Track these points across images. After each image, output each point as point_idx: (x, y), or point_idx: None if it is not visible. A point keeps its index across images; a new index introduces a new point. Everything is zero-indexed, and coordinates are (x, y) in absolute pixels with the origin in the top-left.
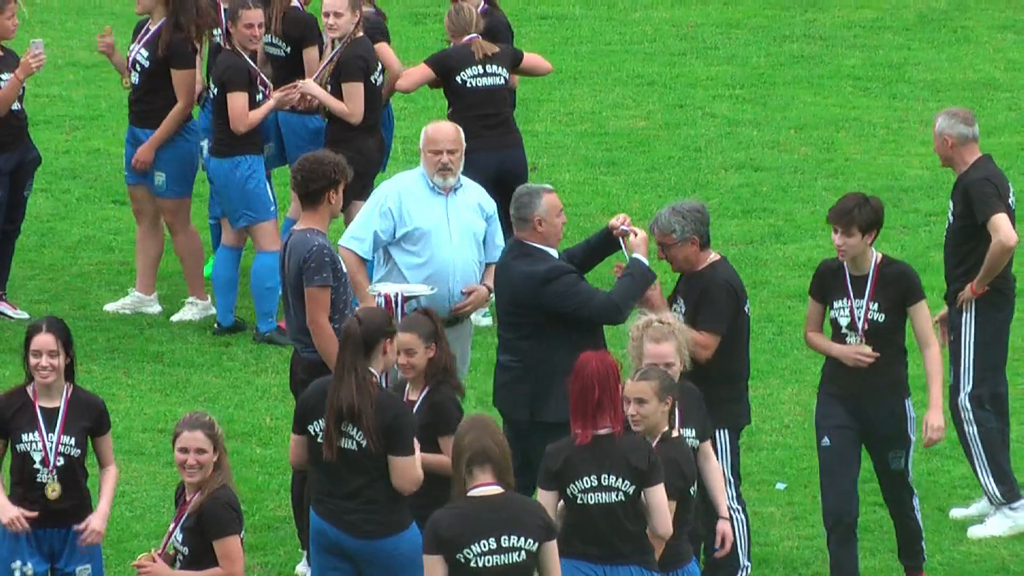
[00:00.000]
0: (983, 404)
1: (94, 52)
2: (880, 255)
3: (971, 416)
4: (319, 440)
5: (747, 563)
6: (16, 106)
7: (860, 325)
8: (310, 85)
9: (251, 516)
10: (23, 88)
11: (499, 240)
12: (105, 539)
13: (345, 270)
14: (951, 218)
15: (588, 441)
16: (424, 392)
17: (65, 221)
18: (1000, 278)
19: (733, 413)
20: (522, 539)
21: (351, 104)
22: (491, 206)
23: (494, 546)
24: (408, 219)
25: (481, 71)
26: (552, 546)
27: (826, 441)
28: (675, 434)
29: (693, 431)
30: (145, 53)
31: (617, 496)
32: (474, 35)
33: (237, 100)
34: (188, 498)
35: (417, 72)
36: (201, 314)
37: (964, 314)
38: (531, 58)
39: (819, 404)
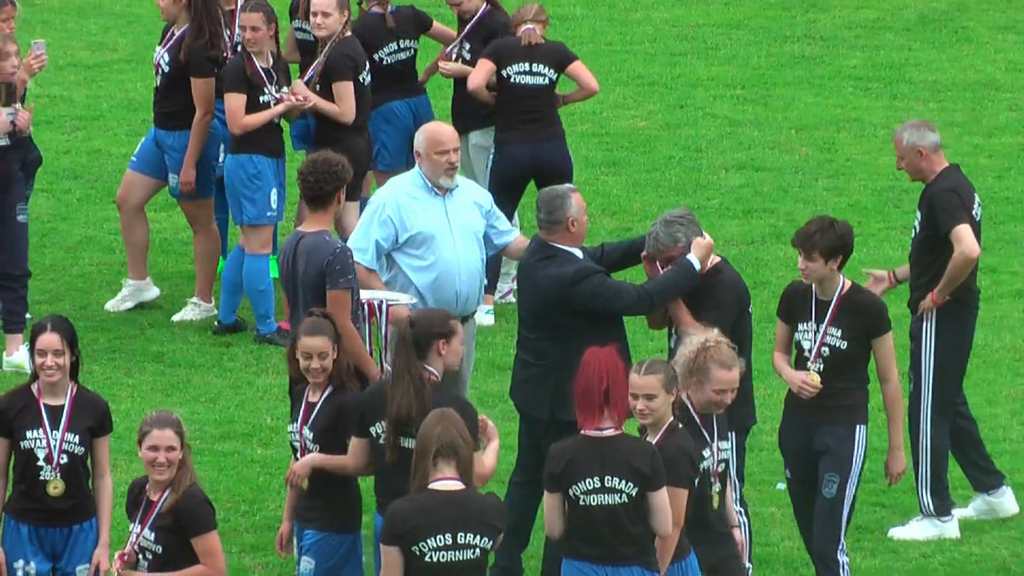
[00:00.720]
0: (944, 415)
1: (95, 52)
2: (849, 283)
3: (927, 428)
4: (381, 442)
5: (748, 564)
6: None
7: (816, 351)
8: (300, 87)
9: (252, 516)
10: (25, 89)
11: (502, 224)
12: None
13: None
14: (916, 228)
15: (593, 434)
16: (326, 394)
17: (66, 221)
18: (962, 289)
19: (740, 415)
20: (478, 537)
21: (342, 104)
22: (487, 199)
23: (450, 542)
24: (409, 224)
25: (528, 68)
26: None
27: (788, 473)
28: (680, 425)
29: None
30: (167, 57)
31: (620, 498)
32: (530, 26)
33: (232, 101)
34: (155, 497)
35: (480, 70)
36: (202, 315)
37: (925, 323)
38: (580, 68)
39: (780, 426)
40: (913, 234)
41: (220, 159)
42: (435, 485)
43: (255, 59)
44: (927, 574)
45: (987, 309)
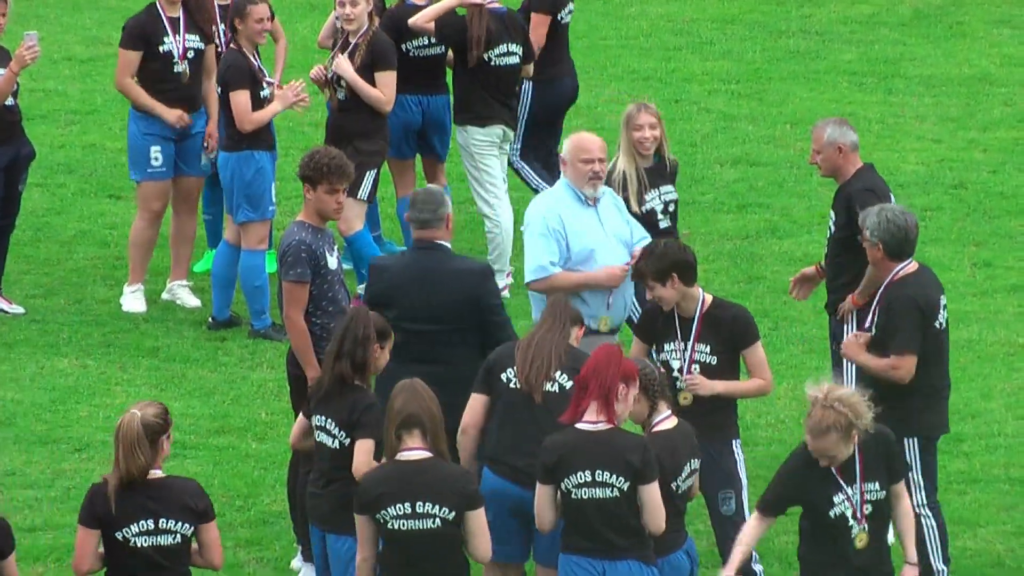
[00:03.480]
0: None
1: (90, 47)
2: (710, 298)
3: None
4: (512, 386)
5: (943, 566)
6: (10, 101)
7: (687, 369)
8: (343, 65)
9: (247, 511)
10: (17, 84)
11: (637, 229)
12: None
13: (332, 267)
14: (832, 228)
15: (586, 428)
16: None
17: (60, 216)
18: None
19: (923, 423)
20: (437, 507)
21: (387, 91)
22: (622, 204)
23: (409, 510)
24: (574, 239)
25: (571, 9)
26: (475, 515)
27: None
28: (661, 426)
29: (876, 483)
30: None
31: (611, 492)
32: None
33: (240, 99)
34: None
35: (542, 24)
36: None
37: (846, 325)
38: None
39: None
40: (828, 233)
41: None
42: (401, 455)
43: (248, 54)
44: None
45: (982, 304)
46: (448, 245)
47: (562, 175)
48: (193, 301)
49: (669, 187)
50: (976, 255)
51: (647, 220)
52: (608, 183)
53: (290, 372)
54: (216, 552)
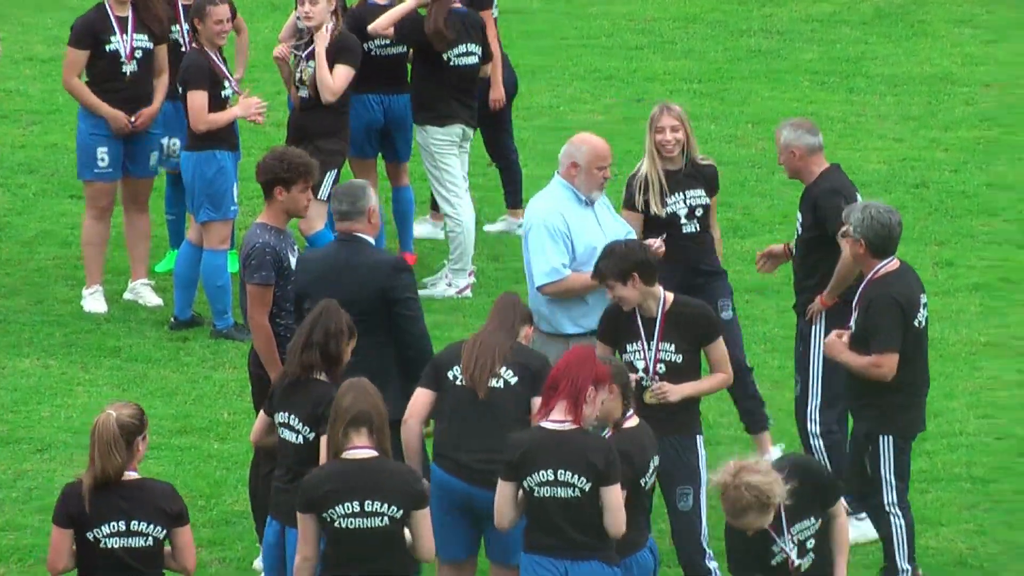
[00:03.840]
0: (830, 416)
1: (51, 47)
2: (672, 296)
3: (816, 429)
4: (459, 383)
5: (907, 566)
6: None
7: (652, 368)
8: (321, 42)
9: (209, 511)
10: None
11: (623, 226)
12: None
13: (295, 269)
14: (799, 229)
15: (551, 427)
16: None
17: (22, 216)
18: (850, 291)
19: (901, 421)
20: (385, 505)
21: (338, 82)
22: (609, 203)
23: (357, 509)
24: (578, 240)
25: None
26: (421, 515)
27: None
28: (626, 424)
29: (809, 518)
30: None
31: (572, 492)
32: None
33: (196, 99)
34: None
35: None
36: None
37: (813, 326)
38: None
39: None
40: (796, 234)
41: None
42: (347, 454)
43: (211, 53)
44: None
45: (944, 303)
46: (369, 238)
47: (558, 176)
48: (155, 300)
49: (698, 191)
50: (938, 254)
51: (670, 223)
52: (631, 184)
53: (252, 372)
54: (190, 556)
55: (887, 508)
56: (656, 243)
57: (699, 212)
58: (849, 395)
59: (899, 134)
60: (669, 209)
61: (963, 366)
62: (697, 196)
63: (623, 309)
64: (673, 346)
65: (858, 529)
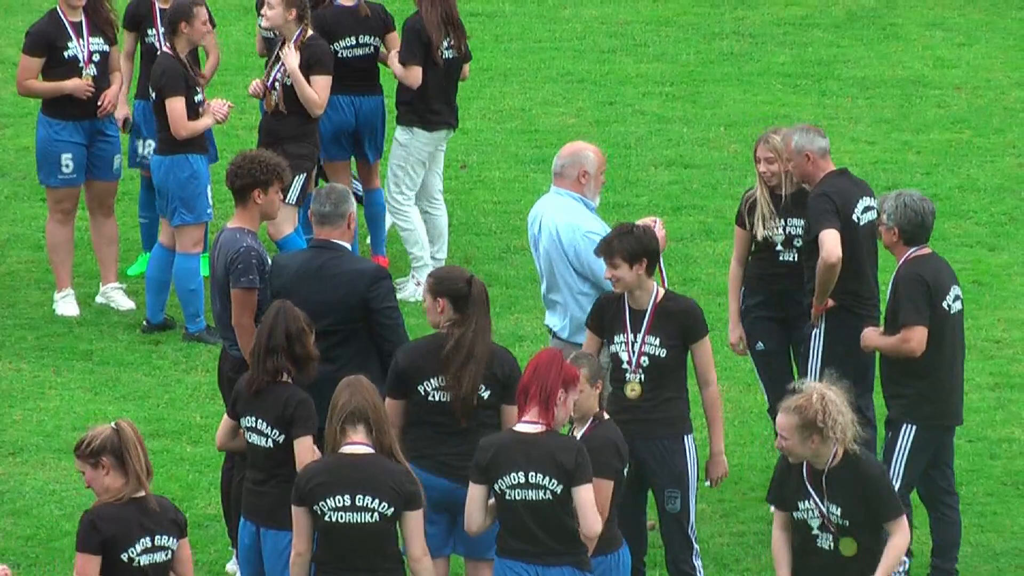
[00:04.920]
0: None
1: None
2: (663, 290)
3: None
4: (432, 399)
5: (905, 558)
6: None
7: (636, 361)
8: (290, 58)
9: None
10: None
11: None
12: (34, 538)
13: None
14: (803, 233)
15: (521, 429)
16: None
17: None
18: (848, 296)
19: (926, 412)
20: (376, 501)
21: (322, 94)
22: None
23: (348, 503)
24: None
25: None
26: (413, 516)
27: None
28: (606, 418)
29: (839, 508)
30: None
31: (544, 494)
32: None
33: (176, 106)
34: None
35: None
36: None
37: (816, 328)
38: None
39: None
40: (798, 242)
41: (143, 153)
42: (344, 449)
43: (183, 58)
44: None
45: None
46: (346, 246)
47: (563, 189)
48: (127, 303)
49: (800, 220)
50: None
51: (767, 246)
52: (742, 202)
53: (224, 375)
54: (190, 567)
55: None
56: (657, 224)
57: (796, 242)
58: (883, 382)
59: (871, 137)
60: (766, 233)
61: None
62: (797, 225)
63: (615, 298)
64: (658, 340)
65: None
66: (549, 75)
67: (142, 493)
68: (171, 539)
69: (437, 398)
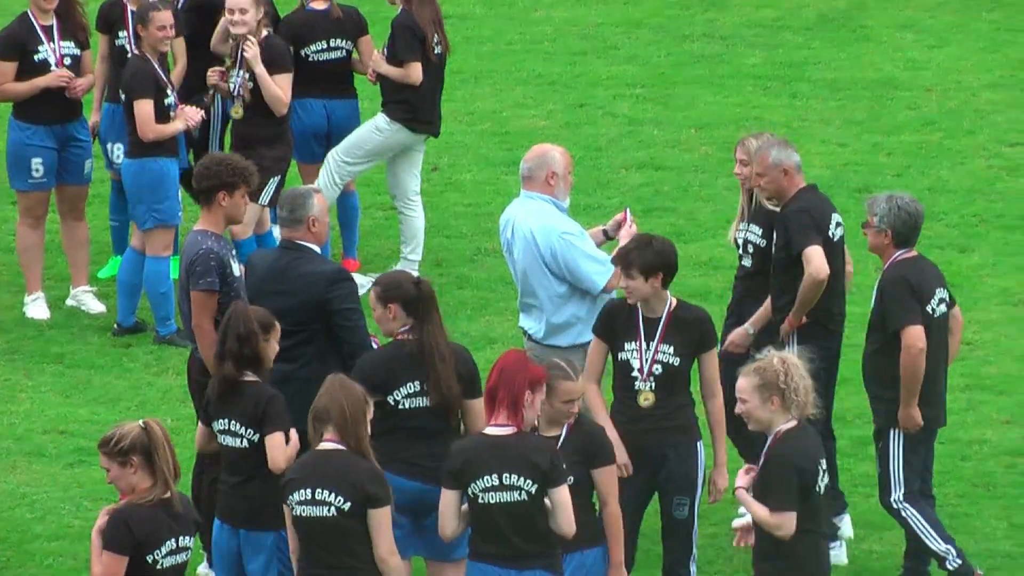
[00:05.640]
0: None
1: None
2: (676, 300)
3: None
4: (403, 408)
5: (947, 547)
6: None
7: (648, 369)
8: (257, 58)
9: None
10: None
11: None
12: (6, 541)
13: (238, 274)
14: (773, 248)
15: (492, 432)
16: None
17: None
18: (822, 312)
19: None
20: (333, 495)
21: (287, 93)
22: None
23: (308, 497)
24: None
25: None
26: (375, 514)
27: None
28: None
29: None
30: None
31: (519, 495)
32: None
33: (144, 108)
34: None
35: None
36: (94, 299)
37: (787, 347)
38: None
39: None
40: (751, 248)
41: (114, 156)
42: (318, 447)
43: (153, 60)
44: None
45: None
46: (312, 247)
47: (532, 192)
48: (98, 307)
49: (756, 227)
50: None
51: (739, 249)
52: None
53: (193, 379)
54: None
55: (895, 505)
56: (627, 219)
57: (749, 248)
58: (867, 387)
59: (842, 139)
60: (732, 235)
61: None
62: (755, 232)
63: (626, 305)
64: (672, 348)
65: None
66: (520, 77)
67: (168, 494)
68: (191, 539)
69: (409, 405)
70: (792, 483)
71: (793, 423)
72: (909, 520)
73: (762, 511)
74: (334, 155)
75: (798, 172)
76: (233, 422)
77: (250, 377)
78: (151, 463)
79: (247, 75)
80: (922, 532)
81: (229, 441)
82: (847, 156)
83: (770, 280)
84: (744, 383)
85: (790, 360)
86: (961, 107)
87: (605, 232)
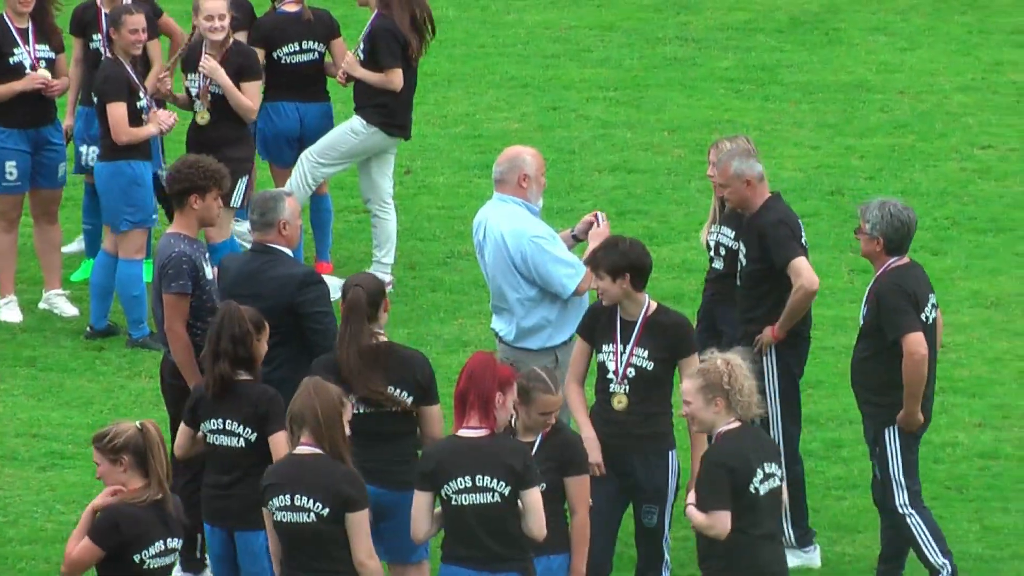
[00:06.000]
0: (791, 444)
1: None
2: (655, 304)
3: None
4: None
5: (944, 561)
6: None
7: (622, 372)
8: (217, 71)
9: None
10: None
11: None
12: None
13: (210, 278)
14: (743, 260)
15: (465, 434)
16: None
17: None
18: (800, 322)
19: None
20: (312, 501)
21: (255, 101)
22: None
23: (288, 503)
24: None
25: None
26: (352, 518)
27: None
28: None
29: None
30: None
31: (492, 497)
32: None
33: (117, 111)
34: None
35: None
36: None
37: (765, 359)
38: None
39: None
40: (739, 265)
41: (87, 159)
42: (295, 450)
43: (125, 64)
44: (800, 574)
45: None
46: (284, 250)
47: (505, 195)
48: (71, 310)
49: (728, 230)
50: (854, 261)
51: (710, 251)
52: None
53: (166, 382)
54: None
55: (900, 511)
56: (600, 218)
57: (721, 251)
58: (858, 393)
59: (814, 141)
60: (704, 237)
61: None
62: (727, 234)
63: (605, 307)
64: (647, 352)
65: (799, 558)
66: (493, 80)
67: (161, 495)
68: (179, 542)
69: (362, 410)
70: (723, 483)
71: (734, 424)
72: (913, 529)
73: (698, 512)
74: (308, 155)
75: (761, 182)
76: (229, 421)
77: (244, 376)
78: (143, 464)
79: (209, 81)
80: (923, 542)
81: (223, 440)
82: (819, 159)
83: (738, 292)
84: (688, 385)
85: (734, 361)
86: (933, 110)
87: (575, 236)
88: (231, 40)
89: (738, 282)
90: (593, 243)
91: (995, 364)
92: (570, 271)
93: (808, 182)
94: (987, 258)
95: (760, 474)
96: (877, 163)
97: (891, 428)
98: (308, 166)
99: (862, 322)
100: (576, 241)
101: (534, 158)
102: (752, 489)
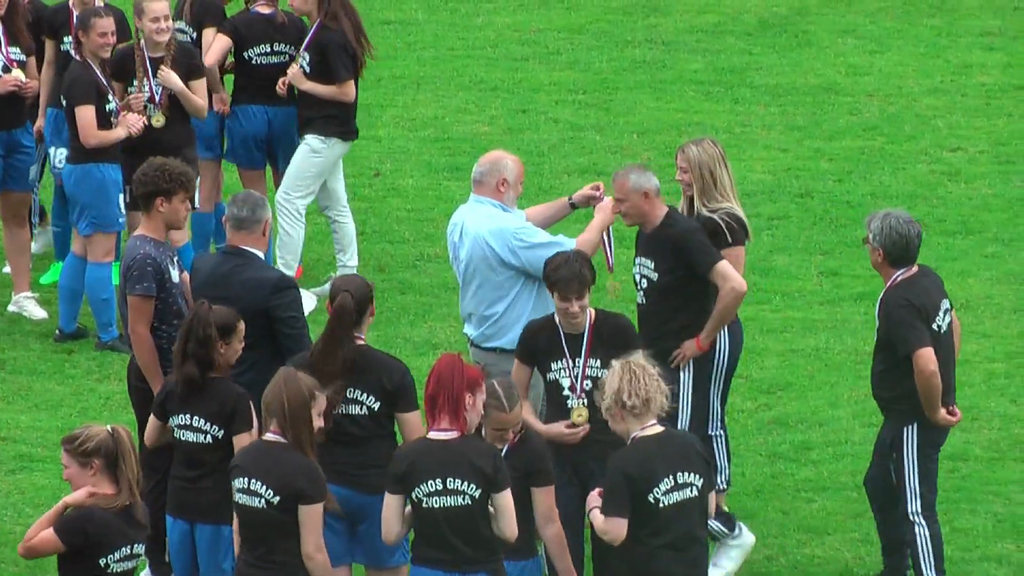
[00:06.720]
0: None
1: None
2: (594, 311)
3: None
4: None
5: (933, 574)
6: None
7: (580, 386)
8: (171, 78)
9: None
10: None
11: None
12: None
13: (175, 280)
14: (653, 275)
15: (436, 437)
16: None
17: None
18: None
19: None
20: (264, 487)
21: (204, 100)
22: None
23: (244, 486)
24: None
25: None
26: (304, 511)
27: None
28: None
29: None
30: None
31: (463, 500)
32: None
33: (85, 114)
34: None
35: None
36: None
37: (682, 373)
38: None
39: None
40: (646, 282)
41: (56, 161)
42: (263, 437)
43: (94, 66)
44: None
45: (829, 312)
46: (257, 253)
47: (483, 197)
48: (40, 313)
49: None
50: (823, 264)
51: None
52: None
53: (132, 384)
54: None
55: (911, 516)
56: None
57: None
58: (880, 392)
59: (784, 144)
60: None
61: (848, 375)
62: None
63: (547, 324)
64: (599, 361)
65: (738, 548)
66: (462, 83)
67: (130, 501)
68: (143, 547)
69: (340, 411)
70: (622, 490)
71: (650, 430)
72: (918, 537)
73: (599, 516)
74: (283, 195)
75: (657, 196)
76: (197, 418)
77: (214, 374)
78: (113, 468)
79: (162, 86)
80: (923, 554)
81: (189, 436)
82: (788, 161)
83: (643, 311)
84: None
85: (634, 363)
86: (902, 112)
87: (572, 203)
88: (175, 41)
89: (642, 300)
90: (599, 215)
91: (964, 366)
92: (560, 248)
93: (777, 184)
94: (956, 260)
95: (668, 483)
96: (846, 165)
97: (911, 432)
98: (289, 205)
99: (876, 334)
100: (573, 208)
101: (516, 165)
102: (652, 499)
